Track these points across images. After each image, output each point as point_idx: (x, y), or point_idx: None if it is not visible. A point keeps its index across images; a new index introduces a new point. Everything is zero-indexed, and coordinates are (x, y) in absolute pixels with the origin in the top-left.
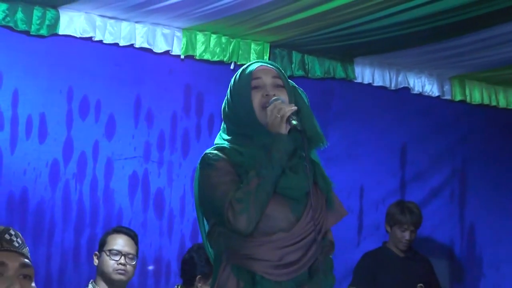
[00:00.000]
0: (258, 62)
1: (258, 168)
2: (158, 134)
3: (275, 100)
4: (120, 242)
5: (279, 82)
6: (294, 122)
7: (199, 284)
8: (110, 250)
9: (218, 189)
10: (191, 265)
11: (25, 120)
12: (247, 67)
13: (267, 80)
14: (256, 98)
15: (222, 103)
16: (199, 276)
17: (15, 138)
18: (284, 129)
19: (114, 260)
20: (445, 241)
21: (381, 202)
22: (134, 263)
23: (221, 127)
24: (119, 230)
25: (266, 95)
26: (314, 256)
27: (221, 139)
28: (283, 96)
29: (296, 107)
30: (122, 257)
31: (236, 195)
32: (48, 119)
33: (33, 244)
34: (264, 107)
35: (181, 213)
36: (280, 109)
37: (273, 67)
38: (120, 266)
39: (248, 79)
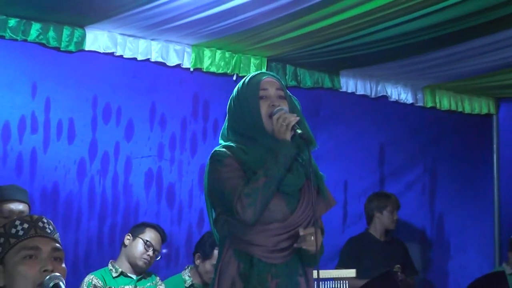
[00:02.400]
0: (264, 74)
1: (265, 169)
2: (170, 136)
3: (279, 110)
4: (155, 238)
5: (282, 93)
6: (299, 131)
7: (198, 261)
8: (147, 241)
9: (227, 183)
10: (199, 242)
11: (56, 124)
12: (255, 76)
13: (272, 91)
14: (263, 108)
15: (227, 107)
16: (198, 253)
17: (48, 139)
18: (288, 136)
19: (146, 249)
20: (418, 228)
21: (363, 195)
22: (157, 258)
23: (224, 127)
24: (157, 228)
25: (272, 105)
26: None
27: (226, 137)
28: (285, 106)
29: (298, 117)
30: (152, 251)
31: (245, 190)
32: (76, 123)
33: (63, 231)
34: (270, 115)
35: (189, 204)
36: (285, 119)
37: (276, 79)
38: (148, 257)
39: (256, 89)
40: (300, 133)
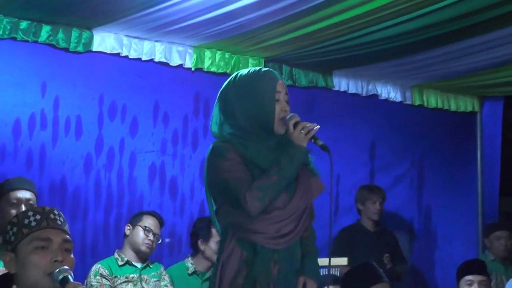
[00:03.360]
0: (276, 75)
1: (279, 168)
2: (173, 133)
3: (293, 116)
4: (153, 223)
5: (287, 98)
6: (320, 142)
7: (202, 246)
8: (146, 227)
9: (232, 175)
10: (195, 236)
11: (64, 121)
12: (267, 75)
13: (283, 95)
14: (277, 110)
15: (223, 95)
16: (199, 239)
17: (56, 135)
18: (305, 143)
19: (146, 235)
20: (406, 219)
21: (354, 188)
22: (158, 242)
23: (219, 118)
24: (154, 214)
25: (285, 110)
26: (304, 225)
27: (221, 128)
28: (288, 109)
29: (318, 126)
30: (152, 235)
31: (257, 183)
32: (83, 120)
33: (70, 222)
34: (281, 119)
35: (191, 196)
36: (305, 127)
37: (283, 82)
38: (149, 242)
39: (273, 90)
40: (322, 145)
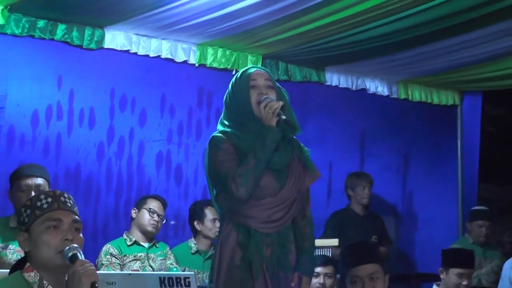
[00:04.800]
0: (254, 67)
1: (254, 152)
2: (178, 123)
3: (266, 98)
4: (157, 205)
5: (270, 83)
6: (283, 116)
7: (198, 226)
8: (150, 209)
9: (223, 166)
10: (191, 219)
11: (78, 112)
12: (246, 70)
13: (261, 81)
14: (253, 96)
15: (223, 100)
16: (196, 221)
17: (71, 125)
18: (274, 122)
19: (151, 216)
20: (392, 204)
21: (345, 174)
22: (163, 222)
23: (222, 115)
24: (157, 197)
25: (260, 93)
26: (294, 213)
27: (223, 124)
28: (272, 95)
29: (282, 102)
30: (156, 216)
31: (238, 171)
32: (96, 112)
33: (83, 205)
34: (258, 103)
35: (194, 182)
36: (271, 106)
37: (265, 71)
38: (154, 222)
39: (247, 80)
40: (284, 119)
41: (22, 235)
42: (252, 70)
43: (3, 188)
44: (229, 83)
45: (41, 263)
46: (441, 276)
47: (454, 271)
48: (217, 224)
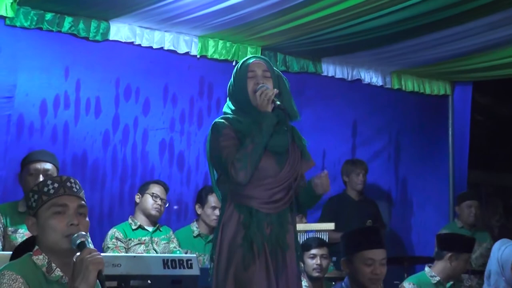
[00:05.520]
0: (254, 57)
1: (252, 137)
2: (180, 112)
3: (261, 87)
4: (159, 190)
5: (267, 74)
6: (278, 102)
7: (199, 210)
8: (153, 193)
9: (224, 151)
10: (196, 201)
11: (85, 101)
12: (246, 60)
13: (259, 72)
14: (250, 85)
15: (227, 88)
16: (197, 204)
17: (78, 114)
18: (269, 108)
19: (154, 201)
20: (385, 189)
21: (337, 161)
22: (165, 205)
23: (227, 102)
24: (159, 182)
25: (257, 83)
26: (293, 195)
27: (228, 109)
28: (269, 84)
29: (277, 90)
30: (159, 200)
31: (236, 156)
32: (101, 101)
33: (90, 190)
34: (255, 92)
35: (196, 168)
36: (266, 94)
37: (264, 61)
38: (158, 206)
39: (245, 70)
40: (278, 104)
41: (30, 220)
42: (251, 60)
43: (13, 173)
44: (229, 73)
45: (48, 247)
46: (450, 262)
47: (464, 256)
48: (217, 212)
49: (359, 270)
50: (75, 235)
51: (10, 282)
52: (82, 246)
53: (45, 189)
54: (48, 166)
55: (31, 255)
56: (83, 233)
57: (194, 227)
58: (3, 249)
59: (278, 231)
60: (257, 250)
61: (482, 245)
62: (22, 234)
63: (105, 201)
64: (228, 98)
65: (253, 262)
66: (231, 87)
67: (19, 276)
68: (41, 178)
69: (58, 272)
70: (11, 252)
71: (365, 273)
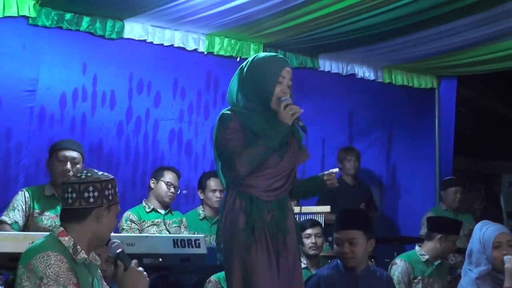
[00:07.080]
0: (285, 63)
1: (266, 140)
2: (189, 104)
3: (287, 99)
4: (173, 178)
5: (291, 83)
6: (301, 123)
7: (201, 195)
8: (167, 182)
9: (229, 144)
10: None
11: (101, 94)
12: (278, 61)
13: (287, 80)
14: (277, 90)
15: (243, 70)
16: (199, 190)
17: (94, 106)
18: (291, 122)
19: (168, 189)
20: (378, 175)
21: (336, 150)
22: (177, 192)
23: (234, 87)
24: (173, 169)
25: (283, 91)
26: (292, 183)
27: (235, 97)
28: (289, 94)
29: (302, 110)
30: (173, 188)
31: (247, 151)
32: (116, 94)
33: None
34: (278, 98)
35: (203, 156)
36: (292, 109)
37: (291, 69)
38: (171, 194)
39: (277, 74)
40: (302, 126)
41: (105, 205)
42: (285, 66)
43: (35, 161)
44: (234, 68)
45: (95, 236)
46: (440, 243)
47: (453, 238)
48: (217, 194)
49: (336, 249)
50: (114, 245)
51: (58, 263)
52: (123, 259)
53: (114, 190)
54: (75, 154)
55: (55, 236)
56: (118, 241)
57: (200, 210)
58: (27, 230)
59: (278, 217)
60: (258, 235)
61: (465, 226)
62: (48, 216)
63: (119, 186)
64: (238, 87)
65: (254, 246)
66: (250, 77)
67: (63, 257)
68: (68, 165)
69: (83, 255)
70: (39, 233)
71: (337, 252)
